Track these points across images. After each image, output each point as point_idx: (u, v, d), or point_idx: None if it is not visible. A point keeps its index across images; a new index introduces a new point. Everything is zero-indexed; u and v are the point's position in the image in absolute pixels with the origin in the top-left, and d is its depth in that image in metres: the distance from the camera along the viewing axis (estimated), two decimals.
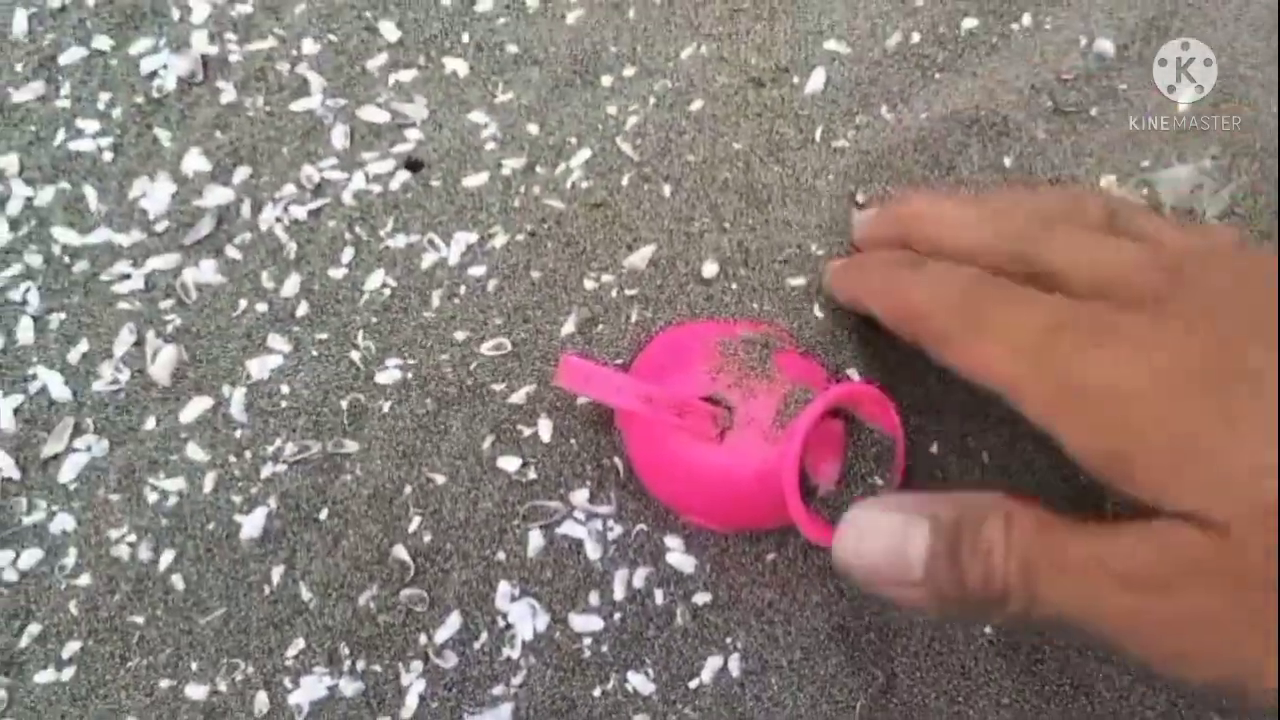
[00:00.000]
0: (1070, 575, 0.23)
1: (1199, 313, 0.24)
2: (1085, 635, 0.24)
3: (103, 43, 0.46)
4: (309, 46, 0.46)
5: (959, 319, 0.28)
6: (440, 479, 0.39)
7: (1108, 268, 0.27)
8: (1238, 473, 0.21)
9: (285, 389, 0.41)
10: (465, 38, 0.47)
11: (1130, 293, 0.26)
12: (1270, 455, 0.21)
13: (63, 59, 0.46)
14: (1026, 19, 0.48)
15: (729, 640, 0.38)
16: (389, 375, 0.41)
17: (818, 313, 0.41)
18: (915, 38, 0.47)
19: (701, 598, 0.38)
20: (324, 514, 0.39)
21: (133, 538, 0.39)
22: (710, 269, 0.42)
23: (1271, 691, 0.21)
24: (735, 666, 0.37)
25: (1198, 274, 0.25)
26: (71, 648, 0.38)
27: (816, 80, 0.46)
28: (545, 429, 0.40)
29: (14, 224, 0.44)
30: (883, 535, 0.27)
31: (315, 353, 0.41)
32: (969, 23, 0.47)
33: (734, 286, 0.41)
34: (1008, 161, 0.44)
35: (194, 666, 0.38)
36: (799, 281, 0.41)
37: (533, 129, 0.45)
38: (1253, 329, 0.23)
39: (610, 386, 0.33)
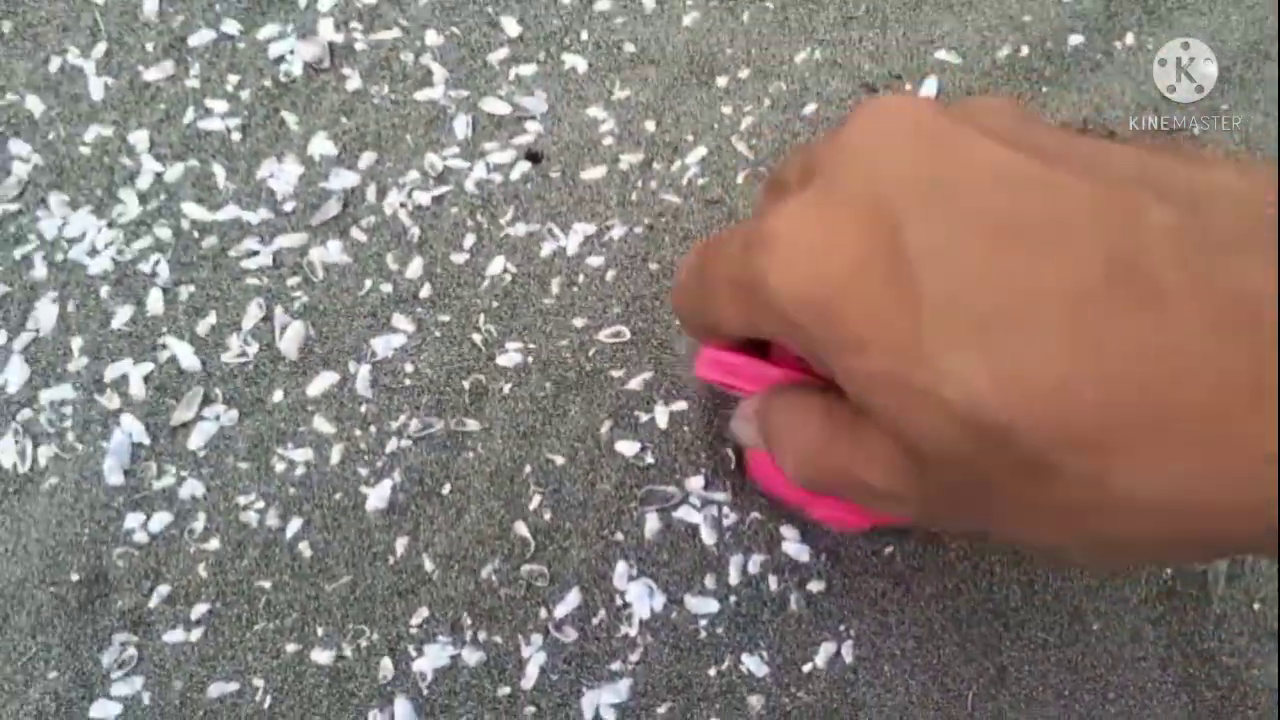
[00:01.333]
0: None
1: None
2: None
3: (231, 26, 0.48)
4: (432, 38, 0.48)
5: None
6: (559, 460, 0.40)
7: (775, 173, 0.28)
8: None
9: (409, 367, 0.42)
10: (584, 35, 0.48)
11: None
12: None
13: (192, 40, 0.47)
14: (1130, 38, 0.49)
15: (843, 627, 0.39)
16: (509, 358, 0.42)
17: None
18: (1024, 51, 0.48)
19: (816, 585, 0.39)
20: (447, 489, 0.40)
21: (260, 505, 0.40)
22: None
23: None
24: (848, 653, 0.38)
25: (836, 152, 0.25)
26: (200, 609, 0.39)
27: (929, 89, 0.47)
28: (662, 416, 0.41)
29: (143, 198, 0.45)
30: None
31: (438, 333, 0.42)
32: (1075, 39, 0.48)
33: None
34: None
35: (320, 632, 0.39)
36: None
37: (649, 126, 0.46)
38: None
39: (759, 377, 0.34)
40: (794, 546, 0.39)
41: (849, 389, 0.23)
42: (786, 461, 0.26)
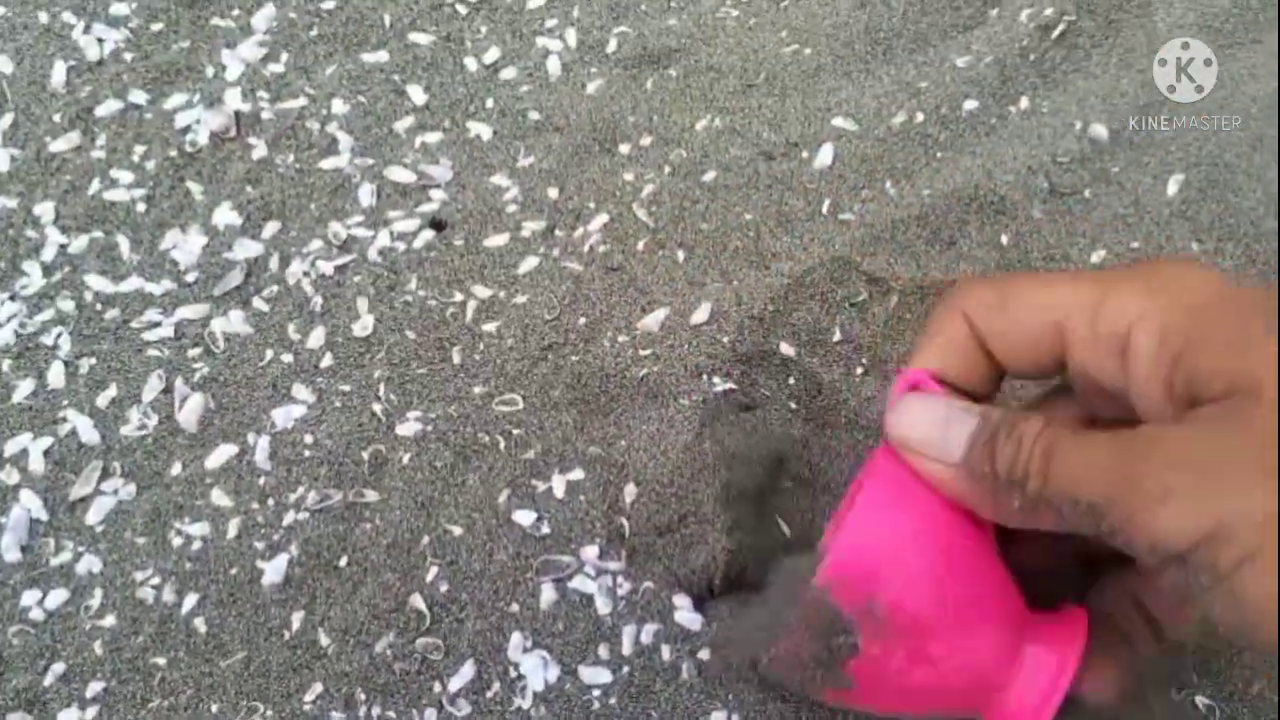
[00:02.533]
0: (1085, 450, 0.26)
1: None
2: (1084, 519, 0.26)
3: (139, 97, 0.48)
4: (339, 106, 0.48)
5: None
6: (457, 530, 0.41)
7: None
8: None
9: (309, 438, 0.42)
10: (490, 103, 0.49)
11: None
12: None
13: (99, 111, 0.48)
14: (1024, 102, 0.50)
15: (731, 696, 0.39)
16: (409, 427, 0.42)
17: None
18: (919, 117, 0.49)
19: (707, 654, 0.39)
20: (344, 561, 0.40)
21: (157, 580, 0.40)
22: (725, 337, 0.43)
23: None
24: None
25: None
26: (95, 687, 0.39)
27: (825, 155, 0.48)
28: (559, 485, 0.41)
29: (48, 270, 0.45)
30: (938, 419, 0.29)
31: (338, 404, 0.43)
32: (970, 104, 0.50)
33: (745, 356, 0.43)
34: (1005, 239, 0.46)
35: (214, 709, 0.39)
36: (790, 350, 0.43)
37: (552, 193, 0.47)
38: None
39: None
40: (686, 615, 0.40)
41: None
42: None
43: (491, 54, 0.50)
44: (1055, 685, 0.30)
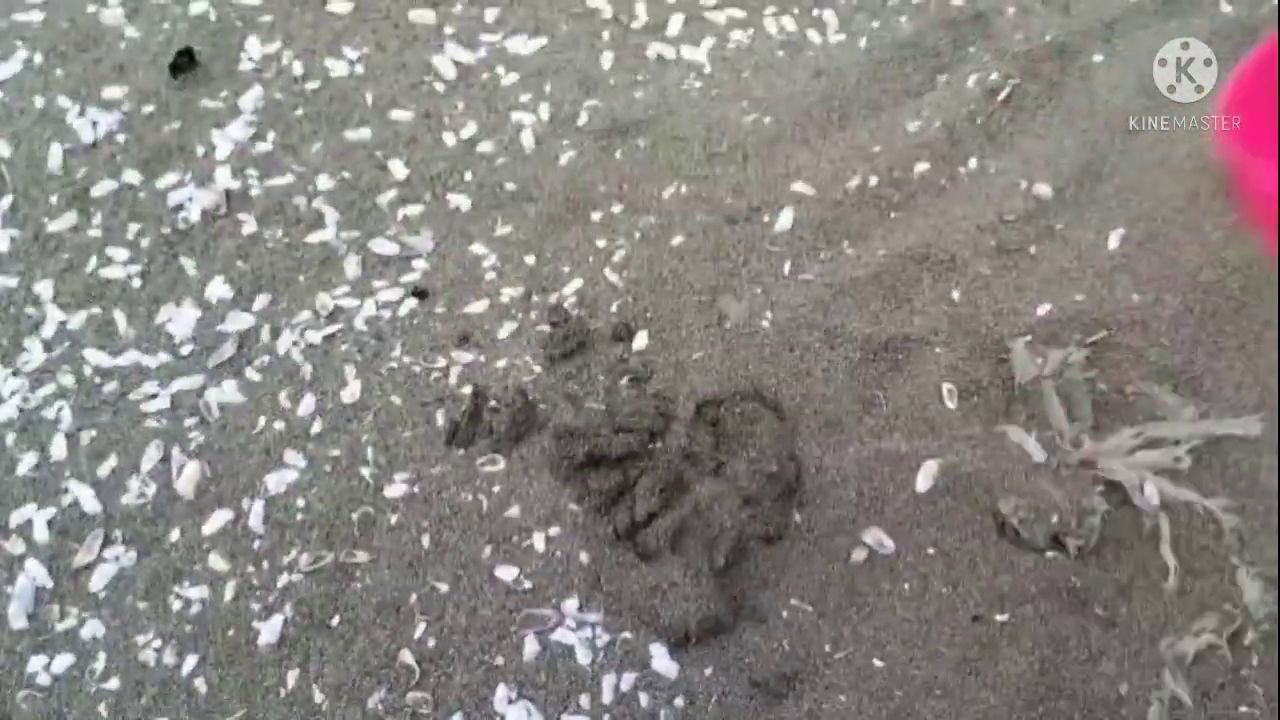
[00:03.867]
0: None
1: None
2: None
3: (132, 177, 0.51)
4: (324, 182, 0.51)
5: None
6: (444, 587, 0.43)
7: None
8: None
9: (301, 502, 0.44)
10: (468, 175, 0.52)
11: None
12: None
13: (95, 191, 0.50)
14: (973, 163, 0.53)
15: None
16: (396, 489, 0.45)
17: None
18: (873, 180, 0.52)
19: (681, 700, 0.41)
20: (336, 620, 0.43)
21: (158, 643, 0.42)
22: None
23: None
24: None
25: None
26: None
27: (785, 219, 0.51)
28: (539, 540, 0.44)
29: (48, 346, 0.47)
30: None
31: (328, 468, 0.45)
32: (921, 167, 0.53)
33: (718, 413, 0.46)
34: (956, 295, 0.49)
35: None
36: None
37: (529, 260, 0.50)
38: None
39: None
40: (663, 663, 0.42)
41: None
42: None
43: (469, 129, 0.53)
44: None
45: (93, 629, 0.43)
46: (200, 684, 0.42)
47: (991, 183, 0.53)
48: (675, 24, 0.57)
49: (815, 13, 0.57)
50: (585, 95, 0.54)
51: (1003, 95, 0.55)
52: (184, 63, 0.53)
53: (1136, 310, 0.48)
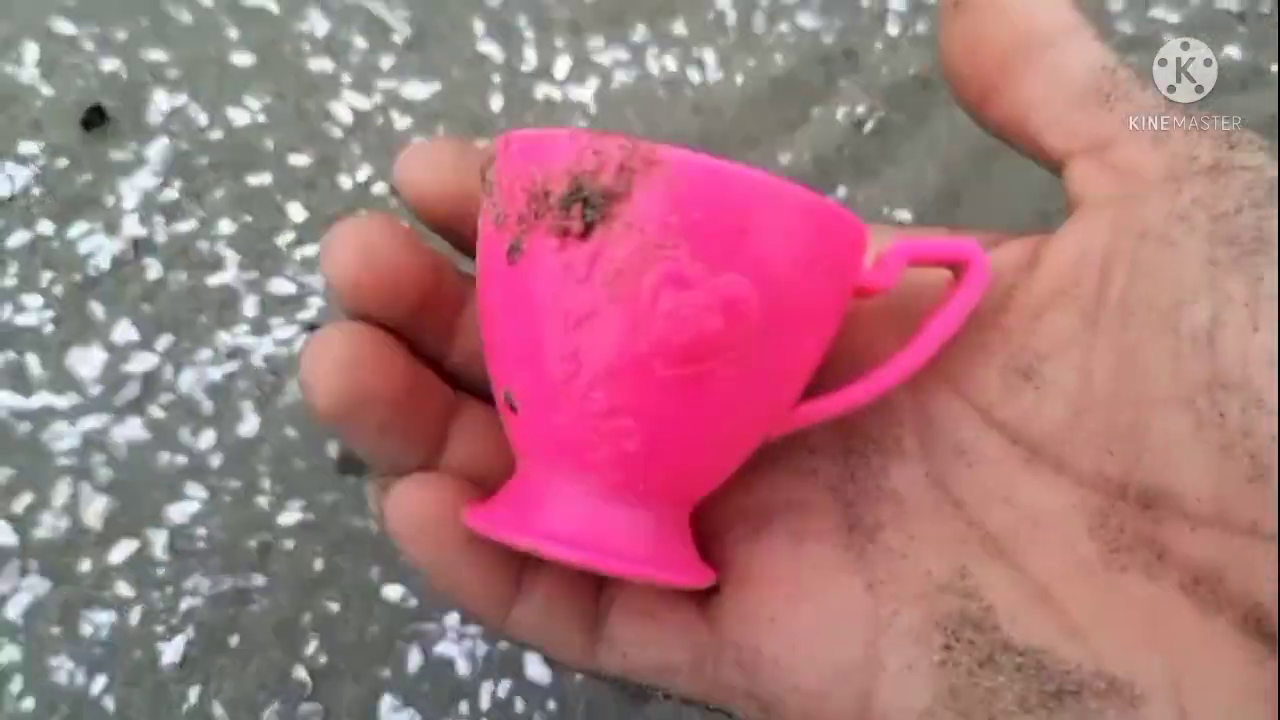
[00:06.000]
0: None
1: None
2: None
3: (46, 227, 0.54)
4: (226, 226, 0.54)
5: None
6: (335, 607, 0.46)
7: None
8: None
9: (202, 531, 0.48)
10: (363, 216, 0.55)
11: None
12: None
13: (10, 242, 0.53)
14: (842, 191, 0.57)
15: None
16: (291, 516, 0.48)
17: None
18: None
19: (553, 703, 0.45)
20: (235, 640, 0.46)
21: (71, 665, 0.46)
22: None
23: None
24: None
25: None
26: None
27: None
28: None
29: None
30: None
31: (228, 498, 0.48)
32: None
33: None
34: None
35: None
36: None
37: None
38: None
39: None
40: (536, 670, 0.45)
41: None
42: None
43: (364, 171, 0.56)
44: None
45: (10, 653, 0.46)
46: (109, 702, 0.45)
47: (859, 210, 0.56)
48: (563, 67, 0.60)
49: (695, 53, 0.61)
50: (476, 137, 0.57)
51: (869, 127, 0.58)
52: (95, 118, 0.56)
53: None
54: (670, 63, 0.60)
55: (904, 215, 0.55)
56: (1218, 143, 0.26)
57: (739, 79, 0.60)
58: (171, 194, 0.55)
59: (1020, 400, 0.26)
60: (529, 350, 0.24)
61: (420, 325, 0.27)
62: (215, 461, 0.49)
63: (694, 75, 0.60)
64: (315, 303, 0.52)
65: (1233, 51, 0.61)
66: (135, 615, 0.46)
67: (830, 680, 0.25)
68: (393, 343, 0.26)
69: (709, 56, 0.61)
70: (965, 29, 0.28)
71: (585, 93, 0.59)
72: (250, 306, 0.52)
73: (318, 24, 0.60)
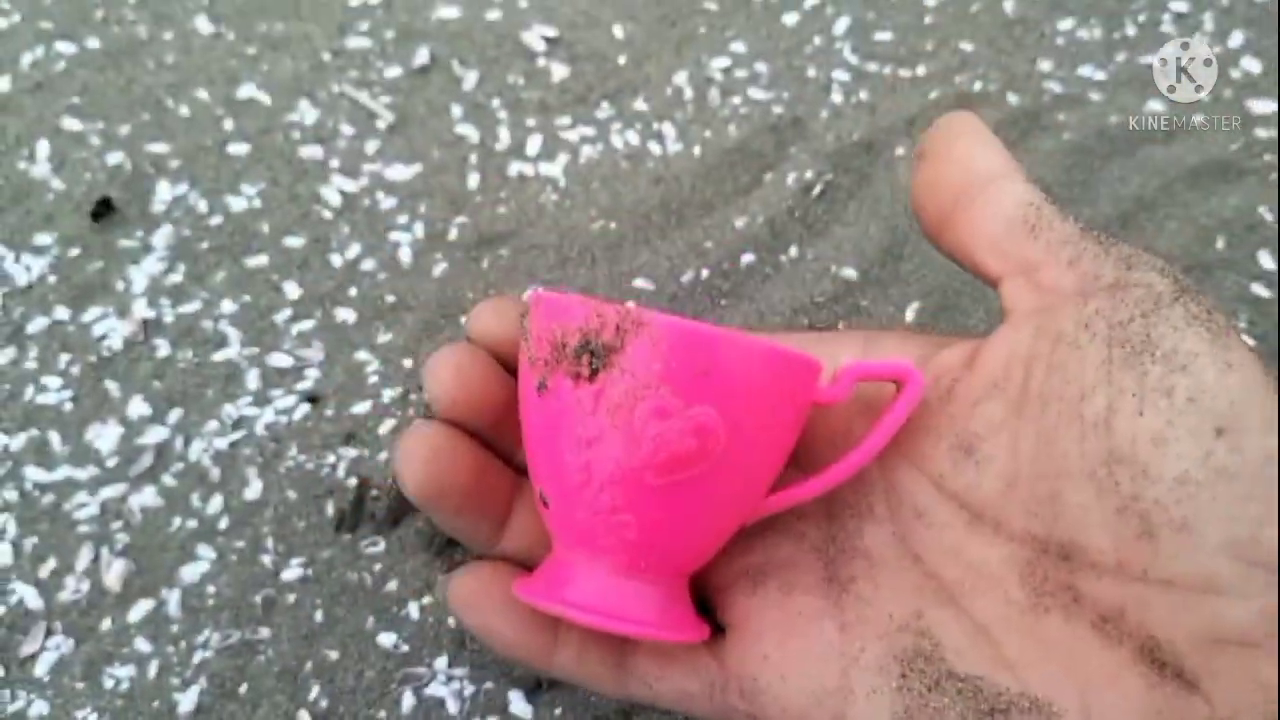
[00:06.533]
0: None
1: None
2: None
3: (62, 313, 0.59)
4: (228, 306, 0.59)
5: None
6: (334, 655, 0.51)
7: None
8: None
9: (211, 589, 0.52)
10: (353, 291, 0.60)
11: None
12: None
13: (30, 328, 0.58)
14: (793, 251, 0.61)
15: None
16: (292, 573, 0.52)
17: None
18: (705, 273, 0.60)
19: None
20: (243, 689, 0.50)
21: (95, 717, 0.50)
22: None
23: None
24: None
25: None
26: None
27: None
28: (414, 609, 0.51)
29: None
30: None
31: (234, 558, 0.53)
32: (747, 258, 0.61)
33: None
34: None
35: None
36: None
37: (407, 363, 0.58)
38: None
39: None
40: (519, 706, 0.49)
41: None
42: None
43: (353, 249, 0.61)
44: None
45: (39, 709, 0.50)
46: None
47: (808, 268, 0.61)
48: (534, 144, 0.65)
49: (655, 126, 0.66)
50: (455, 213, 0.62)
51: (817, 190, 0.63)
52: (103, 209, 0.61)
53: None
54: (632, 137, 0.65)
55: (849, 272, 0.60)
56: (1119, 264, 0.32)
57: (696, 150, 0.65)
58: (176, 278, 0.60)
59: (965, 473, 0.33)
60: (555, 462, 0.32)
61: (496, 433, 0.36)
62: (223, 524, 0.54)
63: (654, 147, 0.65)
64: (312, 374, 0.57)
65: (1155, 105, 0.66)
66: (153, 669, 0.51)
67: (811, 705, 0.32)
68: (466, 440, 0.36)
69: (668, 129, 0.66)
70: (926, 173, 0.35)
71: (555, 168, 0.64)
72: (252, 380, 0.57)
73: (307, 113, 0.65)
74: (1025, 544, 0.32)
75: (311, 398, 0.57)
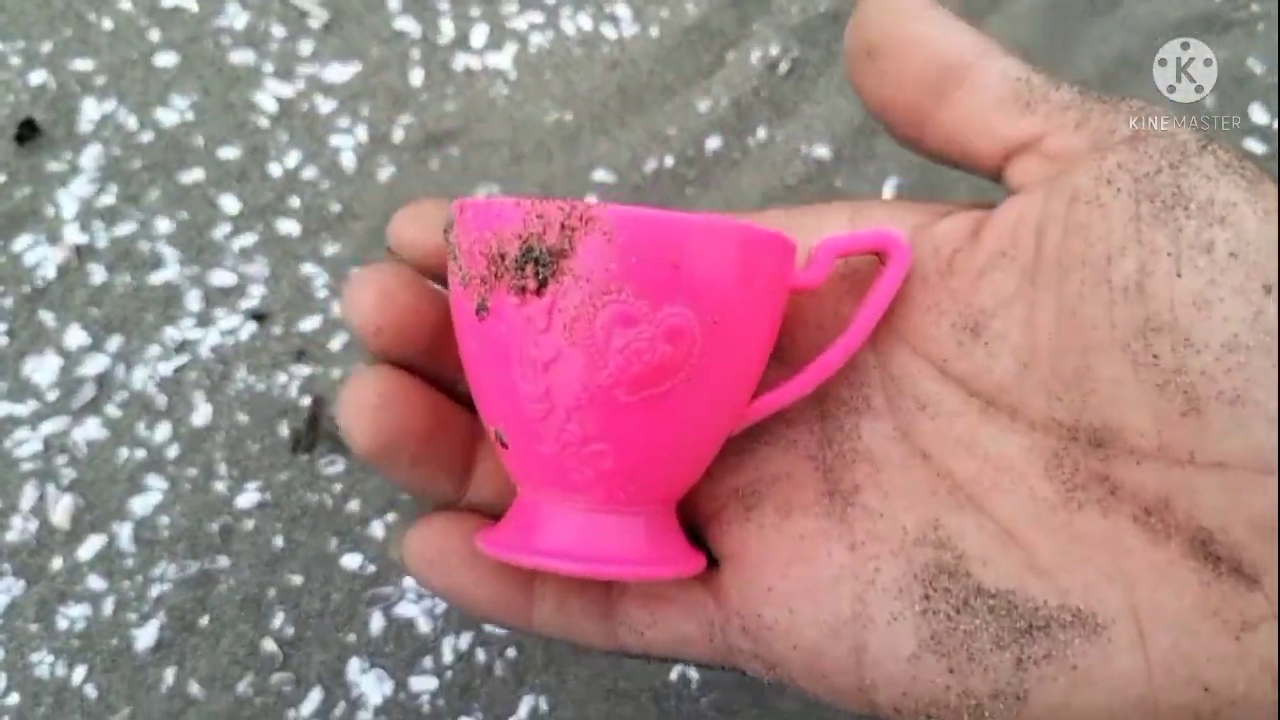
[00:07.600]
0: None
1: None
2: None
3: None
4: (164, 225, 0.56)
5: None
6: (297, 580, 0.48)
7: None
8: None
9: (165, 520, 0.50)
10: (295, 202, 0.56)
11: None
12: None
13: None
14: (761, 133, 0.58)
15: (538, 682, 0.47)
16: (249, 498, 0.50)
17: None
18: (669, 161, 0.57)
19: (513, 652, 0.47)
20: (205, 621, 0.48)
21: (50, 659, 0.48)
22: None
23: None
24: (544, 704, 0.47)
25: None
26: None
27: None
28: (379, 528, 0.49)
29: None
30: None
31: (187, 486, 0.50)
32: (713, 143, 0.57)
33: None
34: None
35: None
36: None
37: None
38: None
39: None
40: None
41: None
42: None
43: (293, 158, 0.57)
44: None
45: None
46: (90, 690, 0.47)
47: (777, 151, 0.57)
48: (480, 35, 0.61)
49: (608, 8, 0.62)
50: (399, 113, 0.59)
51: (784, 67, 0.59)
52: (27, 132, 0.57)
53: None
54: (584, 21, 0.61)
55: (822, 151, 0.56)
56: (1134, 115, 0.28)
57: (653, 30, 0.61)
58: (108, 199, 0.56)
59: (972, 355, 0.29)
60: (508, 394, 0.27)
61: (434, 360, 0.31)
62: (172, 453, 0.51)
63: (609, 31, 0.61)
64: (257, 291, 0.54)
65: None
66: (108, 606, 0.48)
67: (826, 637, 0.28)
68: (416, 384, 0.30)
69: (623, 11, 0.62)
70: (885, 71, 0.30)
71: (504, 59, 0.60)
72: (194, 300, 0.54)
73: (236, 17, 0.61)
74: (1049, 431, 0.28)
75: (258, 315, 0.54)
